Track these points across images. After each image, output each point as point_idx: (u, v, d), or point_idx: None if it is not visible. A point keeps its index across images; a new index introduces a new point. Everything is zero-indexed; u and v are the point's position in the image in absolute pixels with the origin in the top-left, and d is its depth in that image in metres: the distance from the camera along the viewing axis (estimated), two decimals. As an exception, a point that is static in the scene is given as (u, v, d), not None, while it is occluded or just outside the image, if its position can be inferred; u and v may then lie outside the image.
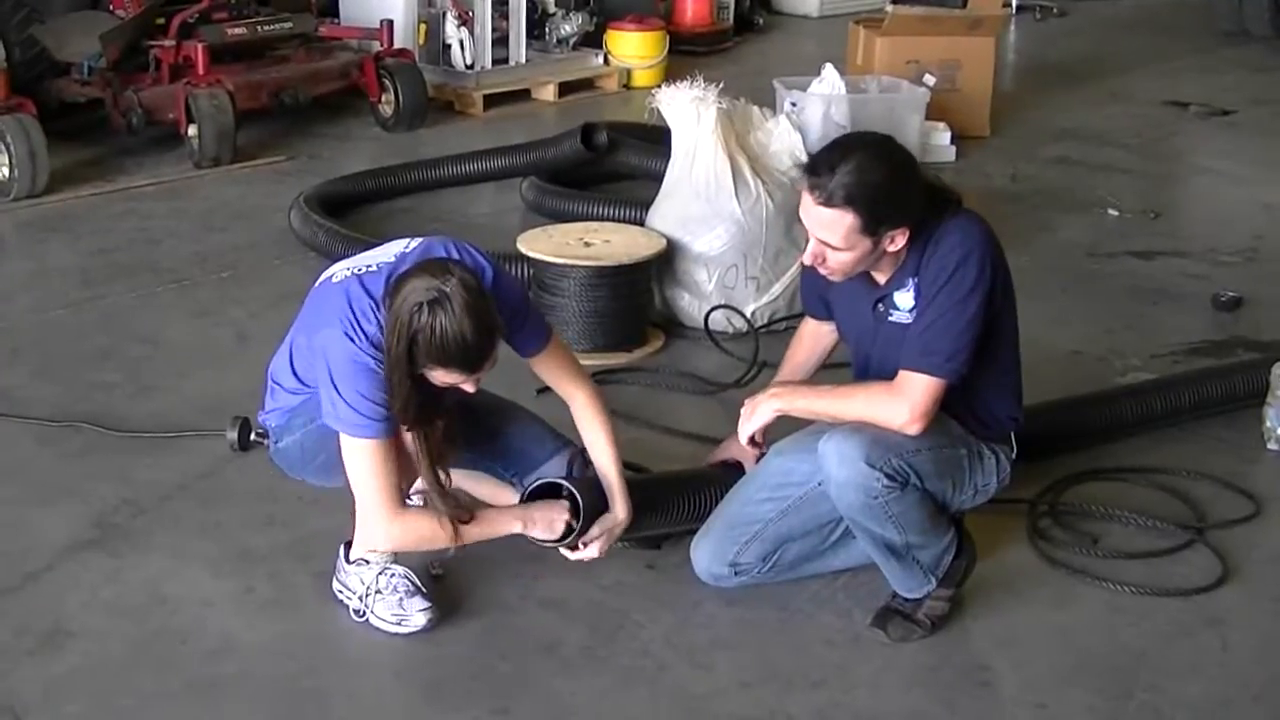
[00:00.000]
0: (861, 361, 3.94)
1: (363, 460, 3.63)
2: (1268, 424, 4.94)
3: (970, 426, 3.84)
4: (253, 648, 3.79)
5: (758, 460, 4.07)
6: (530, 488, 3.91)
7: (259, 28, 8.52)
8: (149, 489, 4.55)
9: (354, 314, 3.58)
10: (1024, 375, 3.97)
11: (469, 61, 9.50)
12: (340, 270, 3.74)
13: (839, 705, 3.63)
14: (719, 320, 5.76)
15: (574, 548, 3.89)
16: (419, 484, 3.83)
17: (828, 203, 3.58)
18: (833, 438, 3.68)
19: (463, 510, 3.77)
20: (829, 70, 7.79)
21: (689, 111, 5.85)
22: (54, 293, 6.21)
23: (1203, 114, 9.81)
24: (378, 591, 3.84)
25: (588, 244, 5.70)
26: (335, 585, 3.95)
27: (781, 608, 3.99)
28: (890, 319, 3.77)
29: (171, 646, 3.79)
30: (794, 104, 7.61)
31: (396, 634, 3.82)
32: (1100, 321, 6.10)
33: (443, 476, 3.77)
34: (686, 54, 10.76)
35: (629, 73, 10.32)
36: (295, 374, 3.83)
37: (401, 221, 6.99)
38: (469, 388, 3.62)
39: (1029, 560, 4.26)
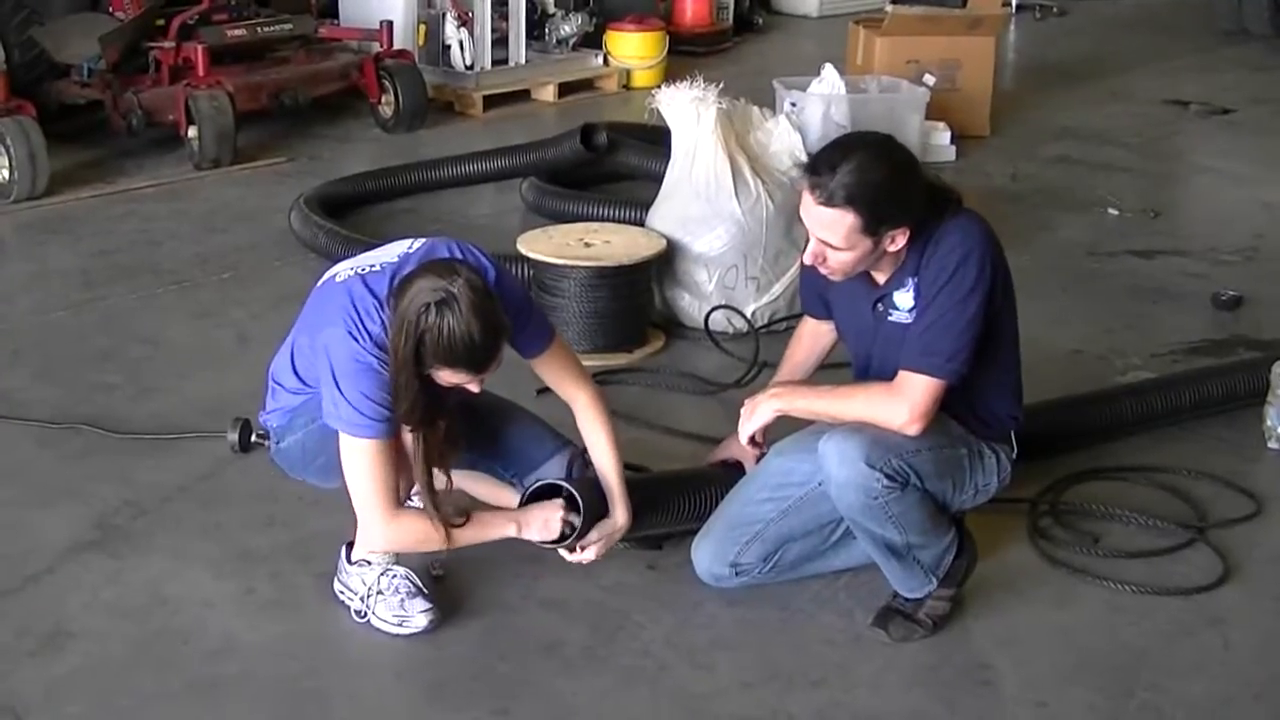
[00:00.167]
0: (861, 361, 3.94)
1: (361, 460, 3.63)
2: (1268, 423, 4.94)
3: (970, 426, 3.84)
4: (254, 648, 3.79)
5: (758, 460, 4.07)
6: (530, 489, 3.91)
7: (259, 29, 8.53)
8: (150, 490, 4.55)
9: (358, 313, 3.58)
10: (1024, 374, 3.97)
11: (469, 62, 9.50)
12: (343, 270, 3.74)
13: (840, 705, 3.63)
14: (719, 320, 5.76)
15: (573, 549, 3.89)
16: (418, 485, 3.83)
17: (828, 202, 3.58)
18: (833, 438, 3.68)
19: (457, 513, 3.77)
20: (829, 70, 7.79)
21: (689, 112, 5.85)
22: (54, 294, 6.21)
23: (1203, 113, 9.81)
24: (379, 592, 3.84)
25: (588, 244, 5.70)
26: (337, 586, 3.95)
27: (782, 608, 3.99)
28: (890, 319, 3.77)
29: (172, 647, 3.79)
30: (794, 104, 7.61)
31: (398, 635, 3.82)
32: (1100, 320, 6.10)
33: (439, 477, 3.78)
34: (686, 54, 10.76)
35: (629, 73, 10.32)
36: (297, 374, 3.83)
37: (402, 223, 6.99)
38: (474, 388, 3.62)
39: (1030, 560, 4.26)
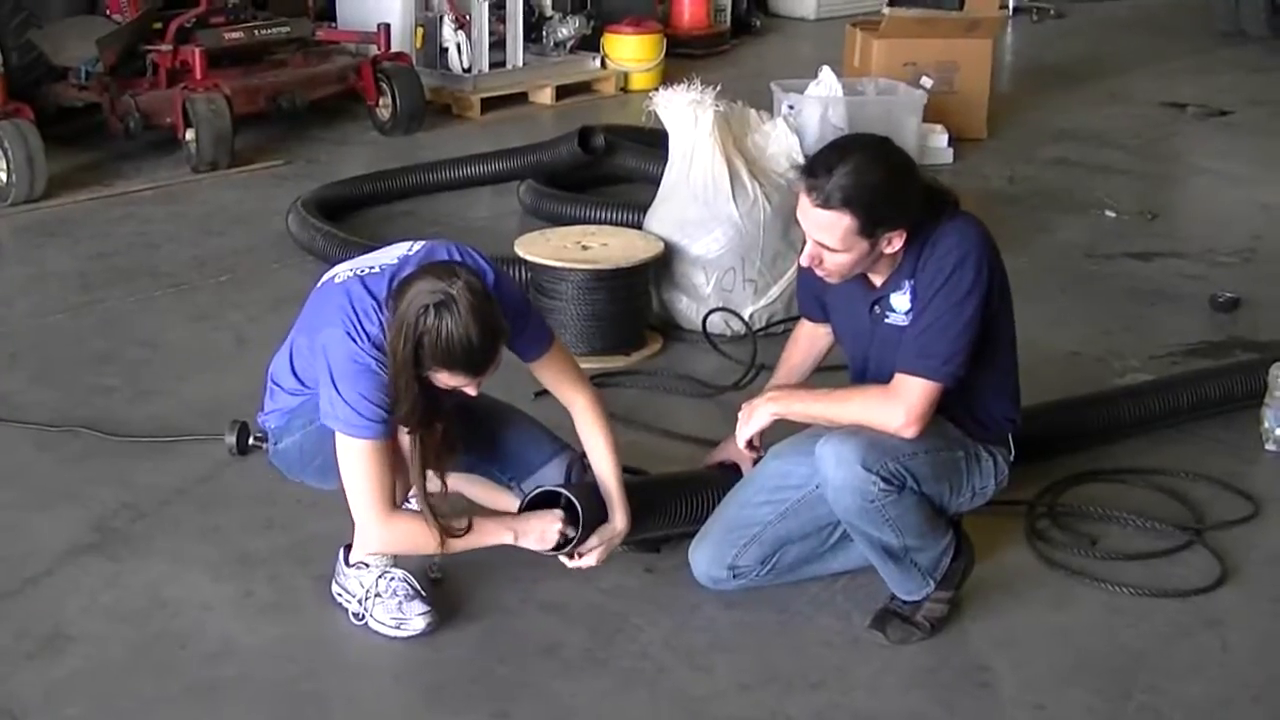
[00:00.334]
0: (859, 364, 3.94)
1: (358, 461, 3.63)
2: (1266, 424, 4.94)
3: (968, 428, 3.84)
4: (252, 651, 3.79)
5: (755, 463, 4.07)
6: (529, 496, 3.91)
7: (256, 32, 8.52)
8: (148, 493, 4.55)
9: (356, 314, 3.58)
10: (1022, 376, 3.97)
11: (466, 65, 9.51)
12: (342, 271, 3.74)
13: (838, 707, 3.63)
14: (717, 323, 5.76)
15: (572, 556, 3.89)
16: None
17: (825, 204, 3.58)
18: (829, 441, 3.68)
19: (458, 518, 3.76)
20: (826, 72, 7.79)
21: (686, 114, 5.86)
22: (52, 297, 6.21)
23: (1200, 115, 9.82)
24: (377, 595, 3.84)
25: (585, 247, 5.70)
26: (334, 588, 3.95)
27: (780, 610, 3.99)
28: (887, 321, 3.78)
29: (171, 650, 3.79)
30: (791, 106, 7.62)
31: (396, 637, 3.82)
32: (1098, 323, 6.11)
33: (435, 480, 3.77)
34: (684, 57, 10.77)
35: (626, 76, 10.33)
36: (295, 375, 3.83)
37: (399, 225, 6.99)
38: (471, 391, 3.62)
39: (1028, 562, 4.26)
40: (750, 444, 4.02)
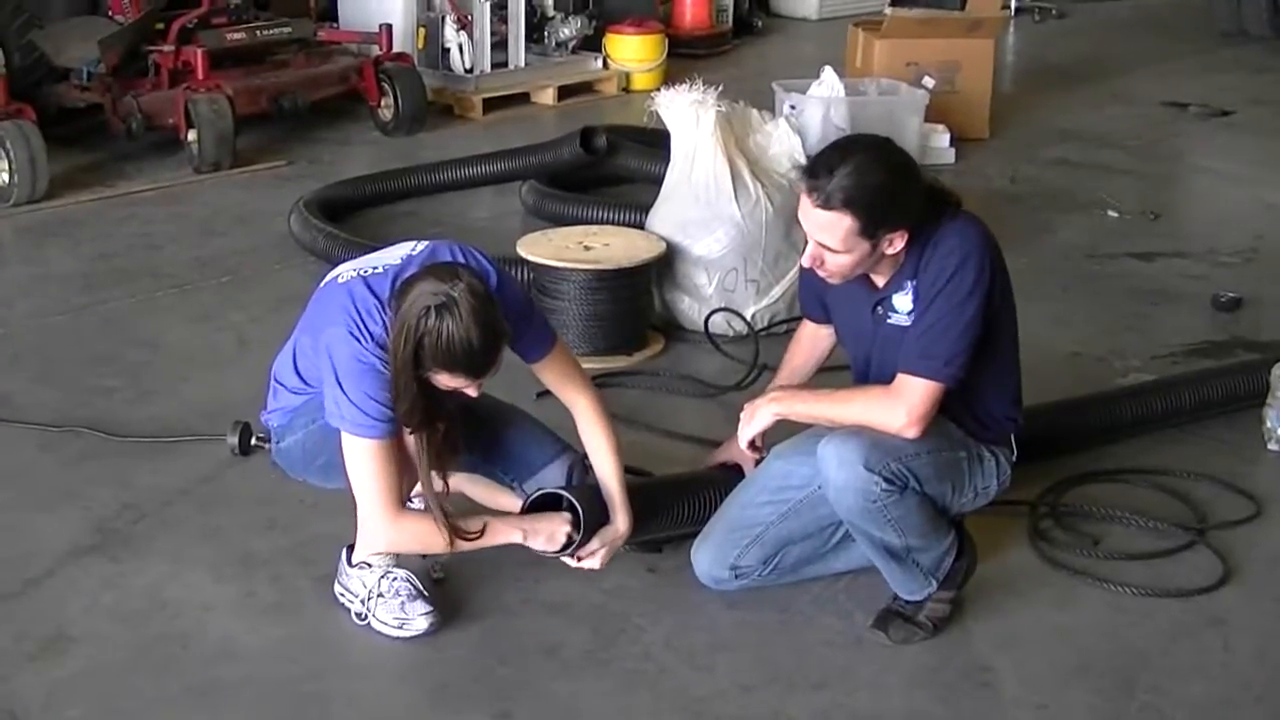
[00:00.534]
0: (861, 365, 3.94)
1: (365, 460, 3.63)
2: (1268, 424, 4.94)
3: (970, 429, 3.84)
4: (254, 652, 3.79)
5: (757, 464, 4.07)
6: (531, 497, 3.91)
7: (258, 33, 8.52)
8: (150, 494, 4.55)
9: (359, 314, 3.58)
10: (1024, 376, 3.97)
11: (468, 65, 9.50)
12: (346, 271, 3.74)
13: (840, 707, 3.63)
14: (719, 323, 5.76)
15: (575, 557, 3.89)
16: (419, 487, 3.82)
17: (826, 205, 3.58)
18: (831, 441, 3.68)
19: (468, 521, 3.76)
20: (828, 73, 7.79)
21: (688, 114, 5.85)
22: (54, 298, 6.22)
23: (1202, 114, 9.81)
24: (380, 595, 3.84)
25: (587, 247, 5.70)
26: (337, 589, 3.95)
27: (782, 610, 3.99)
28: (889, 321, 3.77)
29: (172, 651, 3.79)
30: (793, 106, 7.62)
31: (398, 637, 3.82)
32: (1100, 322, 6.11)
33: (436, 481, 3.77)
34: (685, 57, 10.76)
35: (628, 76, 10.32)
36: (298, 374, 3.83)
37: (401, 226, 6.99)
38: (472, 392, 3.62)
39: (1030, 562, 4.26)
40: (752, 444, 4.02)
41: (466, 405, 3.76)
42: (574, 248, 5.70)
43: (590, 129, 7.38)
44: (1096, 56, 11.67)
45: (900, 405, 3.66)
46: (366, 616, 3.85)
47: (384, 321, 3.56)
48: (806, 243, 3.72)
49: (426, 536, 3.72)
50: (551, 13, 10.26)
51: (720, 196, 5.77)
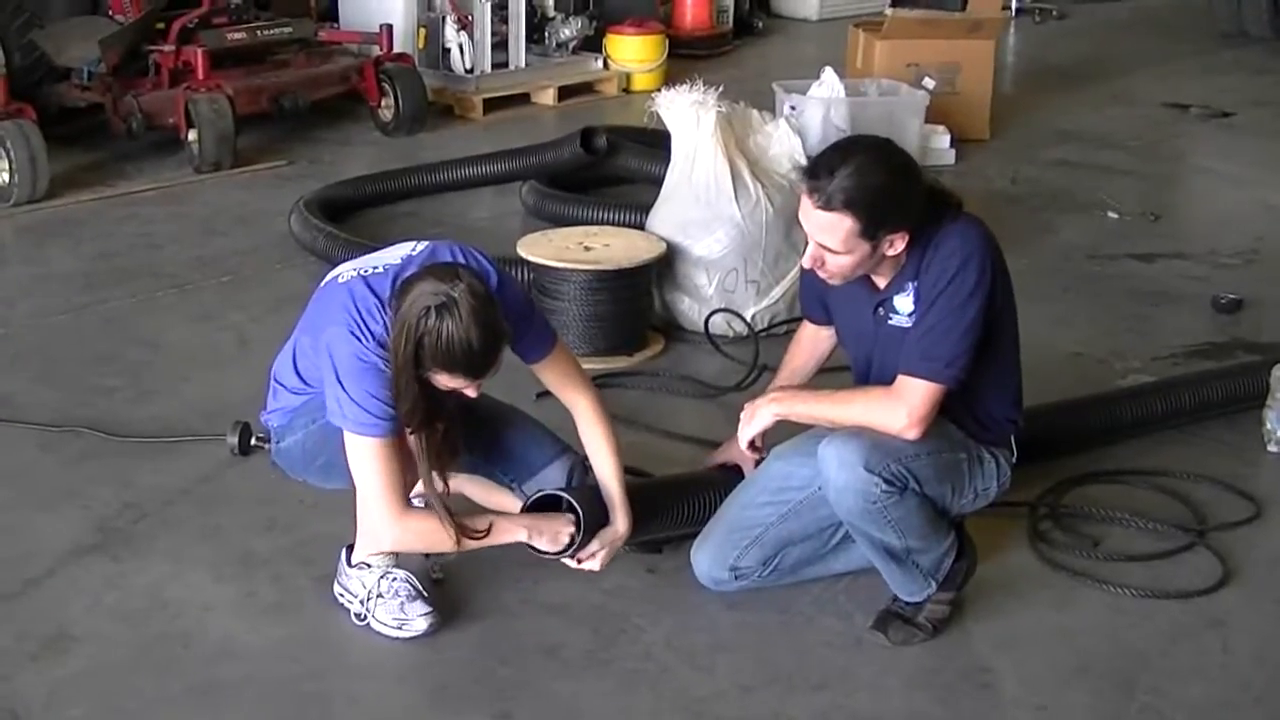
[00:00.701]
0: (862, 366, 3.94)
1: (368, 459, 3.63)
2: (1268, 426, 4.94)
3: (970, 430, 3.84)
4: (254, 652, 3.80)
5: (757, 464, 4.07)
6: (531, 499, 3.91)
7: (259, 32, 8.52)
8: (150, 494, 4.55)
9: (360, 313, 3.58)
10: (1025, 377, 3.97)
11: (469, 66, 9.50)
12: (346, 271, 3.74)
13: (840, 708, 3.63)
14: (719, 324, 5.76)
15: (575, 558, 3.89)
16: (419, 486, 3.82)
17: (826, 206, 3.58)
18: (832, 442, 3.68)
19: (474, 520, 3.76)
20: (828, 73, 7.80)
21: (688, 115, 5.86)
22: (55, 298, 6.22)
23: (1203, 116, 9.81)
24: (379, 595, 3.85)
25: (588, 248, 5.70)
26: (336, 589, 3.95)
27: (782, 611, 3.99)
28: (890, 323, 3.77)
29: (173, 651, 3.80)
30: (793, 107, 7.62)
31: (398, 638, 3.82)
32: (1101, 324, 6.11)
33: (436, 481, 3.77)
34: (686, 57, 10.76)
35: (628, 76, 10.32)
36: (299, 374, 3.83)
37: (401, 226, 6.99)
38: (471, 393, 3.62)
39: (1030, 563, 4.26)
40: (752, 444, 4.02)
41: (466, 405, 3.76)
42: (574, 248, 5.70)
43: (591, 129, 7.38)
44: (1097, 57, 11.67)
45: (901, 406, 3.66)
46: (366, 617, 3.86)
47: (384, 321, 3.56)
48: (807, 244, 3.72)
49: (432, 535, 3.72)
50: (552, 13, 10.25)
51: (720, 197, 5.77)
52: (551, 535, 3.81)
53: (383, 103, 8.83)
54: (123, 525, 4.39)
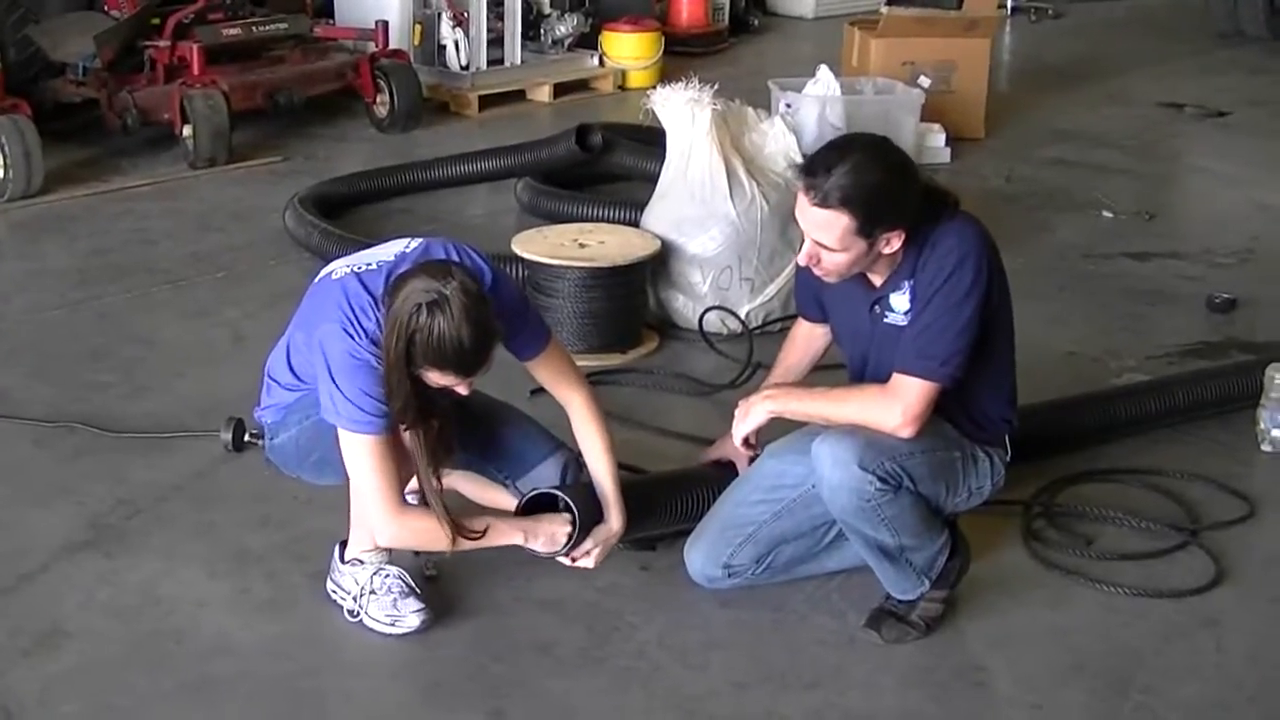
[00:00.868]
0: (857, 364, 3.94)
1: (364, 456, 3.62)
2: (1262, 425, 4.94)
3: (964, 429, 3.84)
4: (248, 648, 3.79)
5: (751, 461, 4.07)
6: (526, 498, 3.90)
7: (254, 28, 8.52)
8: (144, 489, 4.55)
9: (353, 310, 3.58)
10: (1019, 376, 3.97)
11: (464, 62, 9.50)
12: (339, 268, 3.74)
13: (833, 706, 3.63)
14: (713, 321, 5.76)
15: (570, 557, 3.88)
16: (414, 484, 3.82)
17: (823, 204, 3.58)
18: (826, 440, 3.68)
19: (471, 520, 3.76)
20: (824, 71, 7.79)
21: (684, 113, 5.85)
22: (49, 293, 6.21)
23: (1198, 115, 9.82)
24: (372, 592, 3.84)
25: (582, 245, 5.70)
26: (329, 585, 3.95)
27: (775, 609, 3.99)
28: (886, 321, 3.77)
29: (167, 647, 3.79)
30: (789, 105, 7.62)
31: (390, 635, 3.82)
32: (1095, 323, 6.11)
33: (433, 478, 3.77)
34: (682, 55, 10.75)
35: (624, 74, 10.31)
36: (292, 370, 3.83)
37: (396, 222, 6.99)
38: (463, 390, 3.62)
39: (1023, 562, 4.26)
40: (746, 441, 4.02)
41: (460, 402, 3.75)
42: (569, 245, 5.70)
43: (586, 126, 7.37)
44: (1093, 56, 11.68)
45: (896, 404, 3.66)
46: (359, 613, 3.85)
47: (377, 318, 3.56)
48: (803, 241, 3.72)
49: (430, 533, 3.71)
50: (548, 10, 10.25)
51: (715, 195, 5.77)
52: (547, 536, 3.81)
53: (378, 99, 8.82)
54: (116, 521, 4.38)
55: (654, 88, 6.10)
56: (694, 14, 11.48)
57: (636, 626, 3.92)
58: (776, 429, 3.98)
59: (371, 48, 8.90)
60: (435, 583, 4.00)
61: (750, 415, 3.94)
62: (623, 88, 10.22)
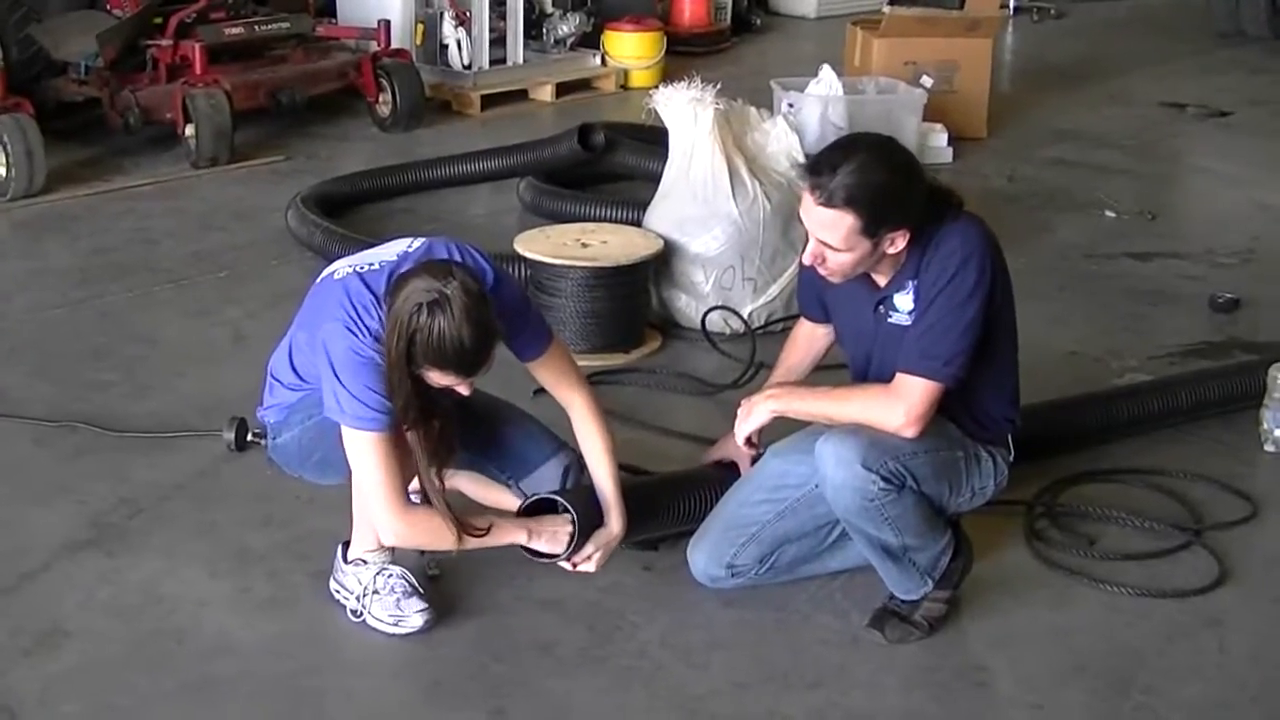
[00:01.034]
0: (860, 364, 3.94)
1: (368, 454, 3.61)
2: (1265, 425, 4.94)
3: (968, 429, 3.84)
4: (250, 647, 3.79)
5: (753, 461, 4.07)
6: (527, 502, 3.89)
7: (256, 27, 8.52)
8: (146, 489, 4.55)
9: (355, 309, 3.57)
10: (1021, 376, 3.97)
11: (466, 62, 9.50)
12: (342, 267, 3.74)
13: (835, 706, 3.63)
14: (716, 321, 5.76)
15: (570, 562, 3.88)
16: (416, 484, 3.82)
17: (828, 203, 3.58)
18: (829, 440, 3.67)
19: (475, 519, 3.76)
20: (826, 71, 7.79)
21: (686, 112, 5.85)
22: (51, 292, 6.21)
23: (1200, 115, 9.81)
24: (375, 592, 3.84)
25: (585, 245, 5.69)
26: (332, 585, 3.95)
27: (779, 609, 3.99)
28: (890, 321, 3.77)
29: (168, 646, 3.79)
30: (791, 105, 7.62)
31: (393, 634, 3.82)
32: (1097, 323, 6.11)
33: (434, 477, 3.76)
34: (684, 54, 10.75)
35: (626, 73, 10.31)
36: (295, 370, 3.82)
37: (399, 222, 6.99)
38: (463, 390, 3.61)
39: (1026, 561, 4.26)
40: (749, 441, 4.02)
41: (462, 402, 3.75)
42: (571, 245, 5.69)
43: (588, 126, 7.37)
44: (1094, 57, 11.67)
45: (899, 404, 3.66)
46: (361, 613, 3.85)
47: (380, 317, 3.55)
48: (807, 241, 3.72)
49: (434, 532, 3.70)
50: (550, 9, 10.25)
51: (718, 194, 5.77)
52: (550, 537, 3.81)
53: (380, 98, 8.82)
54: (118, 520, 4.38)
55: (656, 87, 6.09)
56: (696, 13, 11.48)
57: (639, 626, 3.91)
58: (779, 429, 3.98)
59: (374, 47, 8.90)
60: (438, 582, 4.00)
61: (753, 414, 3.94)
62: (625, 87, 10.21)
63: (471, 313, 3.44)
